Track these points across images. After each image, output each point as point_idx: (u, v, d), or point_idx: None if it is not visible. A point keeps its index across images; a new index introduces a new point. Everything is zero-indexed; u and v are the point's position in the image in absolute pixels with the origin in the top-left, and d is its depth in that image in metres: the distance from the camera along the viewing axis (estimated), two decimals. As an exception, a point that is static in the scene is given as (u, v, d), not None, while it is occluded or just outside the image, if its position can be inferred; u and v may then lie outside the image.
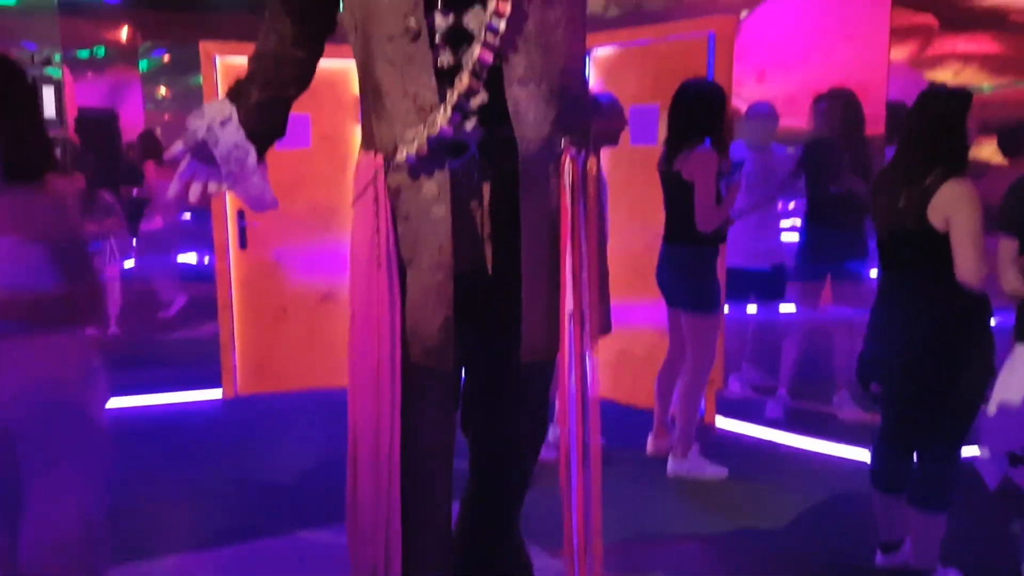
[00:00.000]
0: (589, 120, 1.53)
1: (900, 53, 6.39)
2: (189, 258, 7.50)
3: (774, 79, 7.06)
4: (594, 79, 4.58)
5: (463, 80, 1.35)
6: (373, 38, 1.38)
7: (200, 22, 8.50)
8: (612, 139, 3.64)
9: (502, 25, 1.33)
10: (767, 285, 4.41)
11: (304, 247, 4.61)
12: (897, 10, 5.60)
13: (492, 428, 1.72)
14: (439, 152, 1.40)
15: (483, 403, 1.71)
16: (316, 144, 4.70)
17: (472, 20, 1.35)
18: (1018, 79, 7.01)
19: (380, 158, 1.45)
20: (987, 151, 4.37)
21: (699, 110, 3.40)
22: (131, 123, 9.07)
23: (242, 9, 7.24)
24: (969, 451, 2.64)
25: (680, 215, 3.43)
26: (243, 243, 4.66)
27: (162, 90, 11.42)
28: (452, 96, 1.36)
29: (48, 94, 4.29)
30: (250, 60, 1.62)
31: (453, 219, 1.42)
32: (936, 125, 2.42)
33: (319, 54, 1.65)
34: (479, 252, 1.49)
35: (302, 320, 4.81)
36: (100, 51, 9.39)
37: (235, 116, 1.54)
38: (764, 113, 4.50)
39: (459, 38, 1.35)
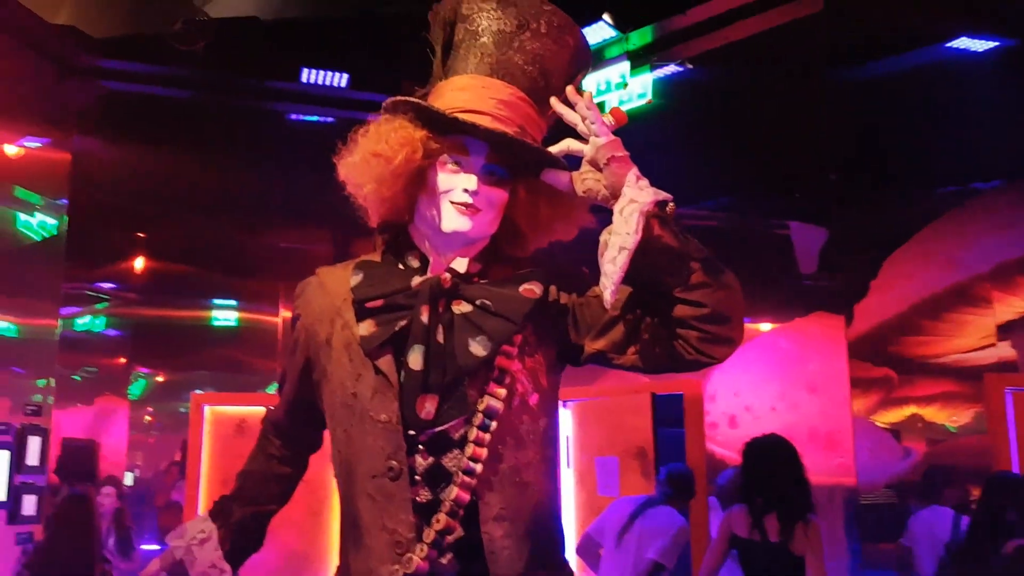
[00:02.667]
0: (563, 556, 1.56)
1: (864, 403, 6.68)
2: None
3: (746, 425, 7.28)
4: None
5: (440, 520, 1.41)
6: (356, 475, 1.46)
7: (192, 354, 8.81)
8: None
9: (478, 467, 1.42)
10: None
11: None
12: (853, 363, 5.93)
13: None
14: None
15: None
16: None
17: (451, 461, 1.43)
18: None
19: None
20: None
21: (788, 474, 3.38)
22: (114, 450, 9.08)
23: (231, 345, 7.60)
24: None
25: None
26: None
27: (147, 418, 11.55)
28: (429, 534, 1.41)
29: (34, 444, 4.38)
30: (237, 476, 1.72)
31: None
32: None
33: (304, 470, 1.76)
34: None
35: None
36: (90, 374, 9.62)
37: (215, 536, 1.61)
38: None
39: (438, 477, 1.43)
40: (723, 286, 1.41)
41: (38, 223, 6.01)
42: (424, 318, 1.43)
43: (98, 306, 9.34)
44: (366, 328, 1.46)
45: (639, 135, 5.50)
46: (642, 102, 5.51)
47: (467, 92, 1.48)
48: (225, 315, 8.37)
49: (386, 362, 1.44)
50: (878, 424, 6.04)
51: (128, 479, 9.07)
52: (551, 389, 1.53)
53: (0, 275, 5.40)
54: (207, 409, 4.80)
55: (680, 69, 5.56)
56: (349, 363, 1.48)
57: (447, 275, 1.47)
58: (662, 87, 5.55)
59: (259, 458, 1.72)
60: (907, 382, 6.53)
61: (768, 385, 7.16)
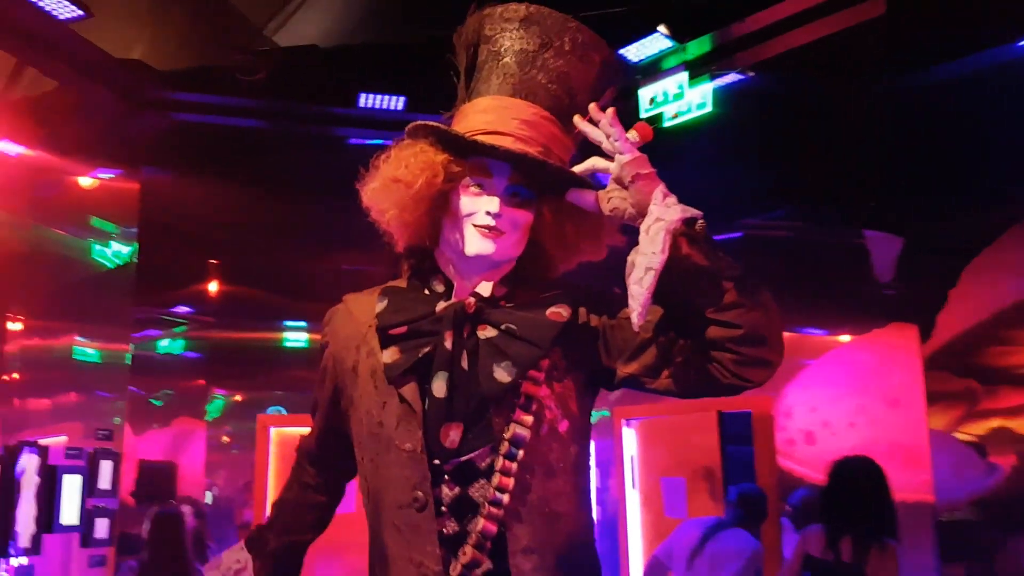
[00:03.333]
0: None
1: (945, 417, 6.41)
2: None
3: (824, 442, 7.05)
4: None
5: (467, 553, 1.38)
6: (383, 505, 1.44)
7: (265, 375, 8.99)
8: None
9: (505, 498, 1.38)
10: None
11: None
12: (934, 374, 5.69)
13: None
14: None
15: None
16: (360, 508, 4.73)
17: (477, 492, 1.39)
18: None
19: None
20: None
21: (870, 496, 3.29)
22: (192, 470, 9.30)
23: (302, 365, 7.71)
24: None
25: None
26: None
27: (224, 438, 11.82)
28: (456, 567, 1.38)
29: (106, 468, 4.49)
30: (273, 506, 1.71)
31: None
32: None
33: (340, 497, 1.74)
34: None
35: None
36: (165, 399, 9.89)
37: (250, 566, 1.61)
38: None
39: (464, 508, 1.40)
40: (758, 306, 1.34)
41: (112, 251, 6.20)
42: (448, 344, 1.40)
43: (176, 330, 9.63)
44: (390, 355, 1.43)
45: (701, 146, 5.37)
46: (702, 112, 5.40)
47: (490, 114, 1.45)
48: (296, 336, 8.54)
49: (410, 390, 1.41)
50: (961, 438, 5.78)
51: (208, 498, 9.30)
52: (582, 415, 1.48)
53: (75, 302, 5.59)
54: (273, 431, 4.87)
55: (741, 77, 5.43)
56: (375, 391, 1.46)
57: (471, 300, 1.44)
58: (723, 96, 5.43)
59: (294, 487, 1.70)
60: (991, 394, 6.24)
61: (846, 399, 6.93)
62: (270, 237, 6.69)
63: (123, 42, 5.89)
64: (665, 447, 5.13)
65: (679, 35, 5.20)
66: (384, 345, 1.44)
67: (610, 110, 1.36)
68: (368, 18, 6.02)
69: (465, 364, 1.40)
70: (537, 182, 1.44)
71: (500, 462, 1.38)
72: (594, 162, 1.41)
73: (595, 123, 1.39)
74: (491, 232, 1.42)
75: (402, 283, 1.54)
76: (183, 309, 9.19)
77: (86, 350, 5.76)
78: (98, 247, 6.16)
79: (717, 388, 1.39)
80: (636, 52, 5.33)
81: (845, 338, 6.54)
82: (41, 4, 4.16)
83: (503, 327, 1.41)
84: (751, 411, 4.66)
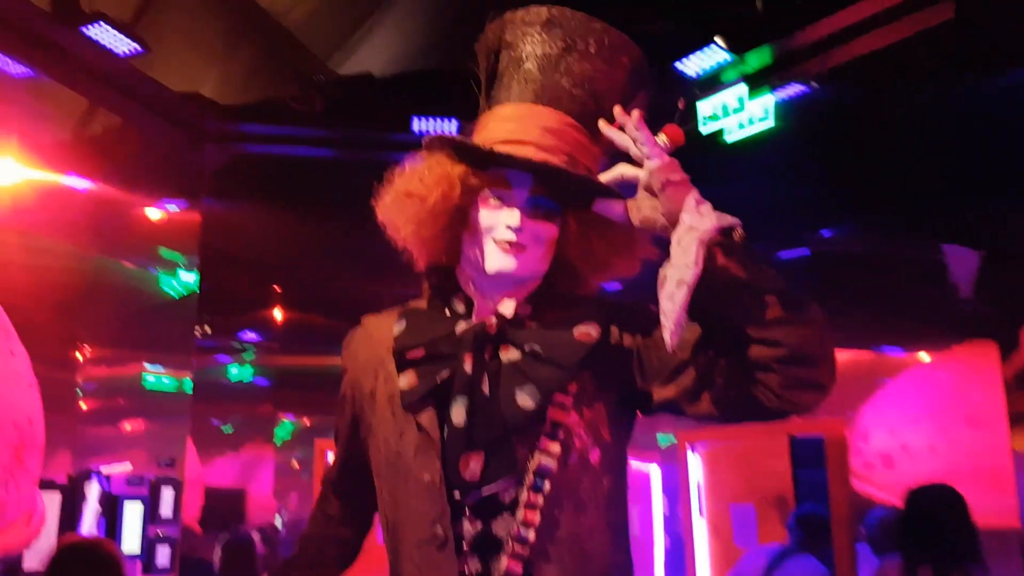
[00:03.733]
0: None
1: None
2: None
3: (903, 465, 6.74)
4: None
5: None
6: (401, 541, 1.35)
7: (331, 400, 9.02)
8: None
9: (531, 535, 1.27)
10: None
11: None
12: (1018, 394, 5.39)
13: None
14: None
15: None
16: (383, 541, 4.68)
17: (501, 528, 1.28)
18: None
19: None
20: None
21: (950, 526, 3.15)
22: (262, 495, 9.39)
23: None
24: None
25: None
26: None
27: (293, 462, 11.93)
28: None
29: (167, 495, 4.52)
30: (298, 540, 1.64)
31: None
32: None
33: (367, 529, 1.66)
34: None
35: None
36: (234, 425, 10.02)
37: None
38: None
39: (488, 545, 1.29)
40: (805, 322, 1.22)
41: (179, 281, 6.31)
42: (467, 368, 1.31)
43: (245, 356, 9.78)
44: (406, 380, 1.34)
45: (764, 161, 5.19)
46: (764, 126, 5.23)
47: (510, 122, 1.37)
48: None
49: (428, 417, 1.32)
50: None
51: (277, 523, 9.36)
52: (616, 443, 1.37)
53: (142, 331, 5.68)
54: (331, 454, 4.84)
55: (804, 88, 5.26)
56: (392, 419, 1.37)
57: (492, 319, 1.34)
58: (785, 109, 5.26)
59: (318, 520, 1.62)
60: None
61: (924, 421, 6.61)
62: (331, 263, 6.74)
63: (194, 78, 6.06)
64: (733, 473, 4.95)
65: (737, 47, 5.06)
66: (401, 369, 1.35)
67: (635, 112, 1.27)
68: (427, 48, 6.05)
69: (486, 389, 1.30)
70: (561, 193, 1.34)
71: (525, 495, 1.28)
72: (622, 170, 1.31)
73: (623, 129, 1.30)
74: (512, 247, 1.32)
75: (423, 304, 1.46)
76: (249, 336, 9.32)
77: (153, 378, 5.85)
78: (165, 276, 6.28)
79: (763, 413, 1.28)
80: (693, 66, 5.22)
81: (923, 356, 6.26)
82: (99, 40, 4.26)
83: (527, 348, 1.31)
84: (823, 435, 4.45)
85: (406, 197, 1.35)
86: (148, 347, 5.60)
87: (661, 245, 1.34)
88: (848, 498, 4.36)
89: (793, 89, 5.27)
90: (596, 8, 1.45)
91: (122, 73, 4.68)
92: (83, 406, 5.31)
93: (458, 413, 1.29)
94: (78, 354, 5.44)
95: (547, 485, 1.28)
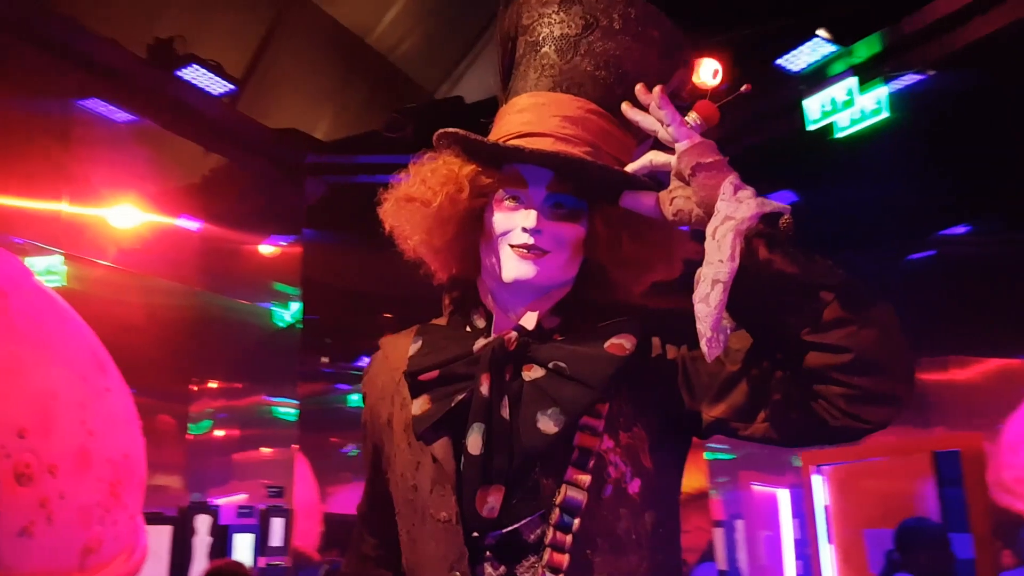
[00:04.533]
0: None
1: None
2: None
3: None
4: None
5: None
6: None
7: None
8: None
9: None
10: None
11: None
12: None
13: None
14: None
15: None
16: None
17: (527, 572, 1.13)
18: None
19: None
20: None
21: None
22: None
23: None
24: None
25: None
26: None
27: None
28: None
29: (277, 525, 4.54)
30: None
31: None
32: None
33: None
34: None
35: None
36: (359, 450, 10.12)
37: None
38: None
39: None
40: (870, 323, 1.02)
41: (290, 313, 6.44)
42: (484, 389, 1.15)
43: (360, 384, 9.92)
44: (419, 406, 1.20)
45: (880, 156, 4.82)
46: (877, 119, 4.88)
47: (527, 113, 1.22)
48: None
49: (442, 446, 1.17)
50: None
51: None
52: (661, 473, 1.19)
53: (253, 363, 5.80)
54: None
55: (919, 77, 4.88)
56: (408, 449, 1.23)
57: (512, 334, 1.18)
58: (899, 100, 4.89)
59: (353, 560, 1.48)
60: None
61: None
62: (433, 289, 6.72)
63: (308, 118, 6.23)
64: (866, 495, 4.59)
65: (842, 38, 4.75)
66: (415, 394, 1.21)
67: (657, 88, 1.10)
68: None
69: (506, 413, 1.14)
70: (584, 188, 1.18)
71: (551, 534, 1.12)
72: (651, 157, 1.14)
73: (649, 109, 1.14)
74: (531, 252, 1.16)
75: (442, 320, 1.32)
76: (365, 363, 9.46)
77: (267, 408, 5.97)
78: (277, 310, 6.42)
79: (826, 433, 1.08)
80: (796, 61, 4.92)
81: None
82: (194, 81, 4.37)
83: (551, 365, 1.15)
84: (959, 450, 4.06)
85: (407, 202, 1.22)
86: (256, 379, 5.71)
87: (703, 241, 1.17)
88: (989, 517, 3.96)
89: (908, 79, 4.90)
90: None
91: (218, 112, 4.80)
92: (198, 437, 5.45)
93: (474, 441, 1.14)
94: (191, 387, 5.60)
95: (576, 522, 1.11)
